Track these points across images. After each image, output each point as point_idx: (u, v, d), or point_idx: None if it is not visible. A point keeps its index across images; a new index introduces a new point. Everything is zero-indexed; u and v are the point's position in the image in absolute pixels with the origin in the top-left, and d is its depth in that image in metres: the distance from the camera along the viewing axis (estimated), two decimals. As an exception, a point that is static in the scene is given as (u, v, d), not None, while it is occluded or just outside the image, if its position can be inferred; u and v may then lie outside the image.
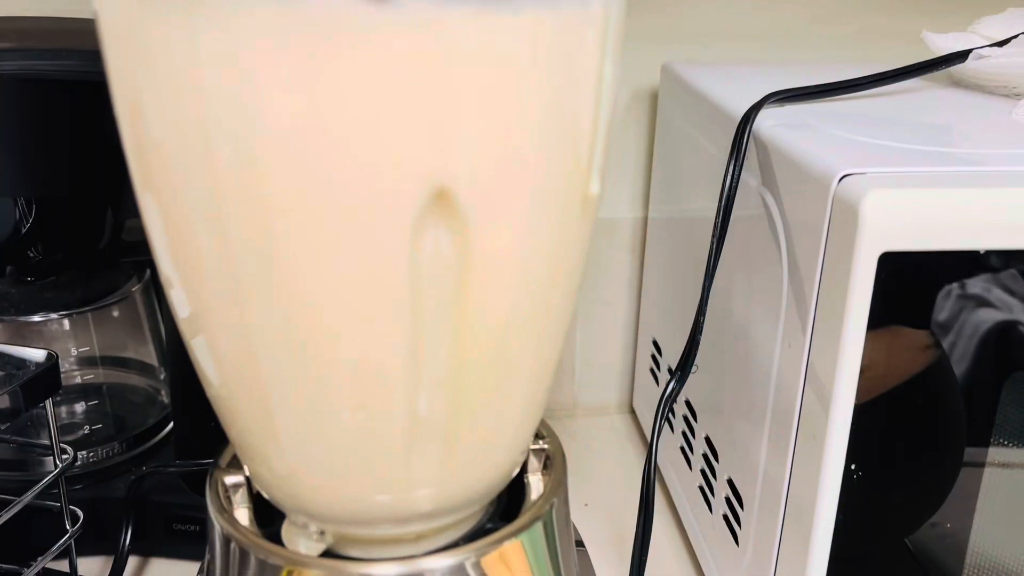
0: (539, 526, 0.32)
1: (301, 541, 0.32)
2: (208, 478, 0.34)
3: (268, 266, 0.27)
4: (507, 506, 0.35)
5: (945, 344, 0.38)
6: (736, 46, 0.67)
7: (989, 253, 0.36)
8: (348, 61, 0.23)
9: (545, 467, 0.36)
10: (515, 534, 0.32)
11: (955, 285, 0.37)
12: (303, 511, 0.32)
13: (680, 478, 0.60)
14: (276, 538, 0.33)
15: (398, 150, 0.24)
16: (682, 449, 0.59)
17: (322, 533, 0.32)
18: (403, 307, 0.26)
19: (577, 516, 0.61)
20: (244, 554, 0.31)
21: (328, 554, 0.32)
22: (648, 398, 0.69)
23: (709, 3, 0.66)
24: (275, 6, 0.22)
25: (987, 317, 0.37)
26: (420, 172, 0.24)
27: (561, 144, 0.26)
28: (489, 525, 0.34)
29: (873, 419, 0.38)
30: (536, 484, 0.35)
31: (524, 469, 0.36)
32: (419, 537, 0.32)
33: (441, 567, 0.30)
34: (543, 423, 0.37)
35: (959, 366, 0.38)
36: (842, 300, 0.37)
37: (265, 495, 0.33)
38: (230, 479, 0.34)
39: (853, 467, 0.39)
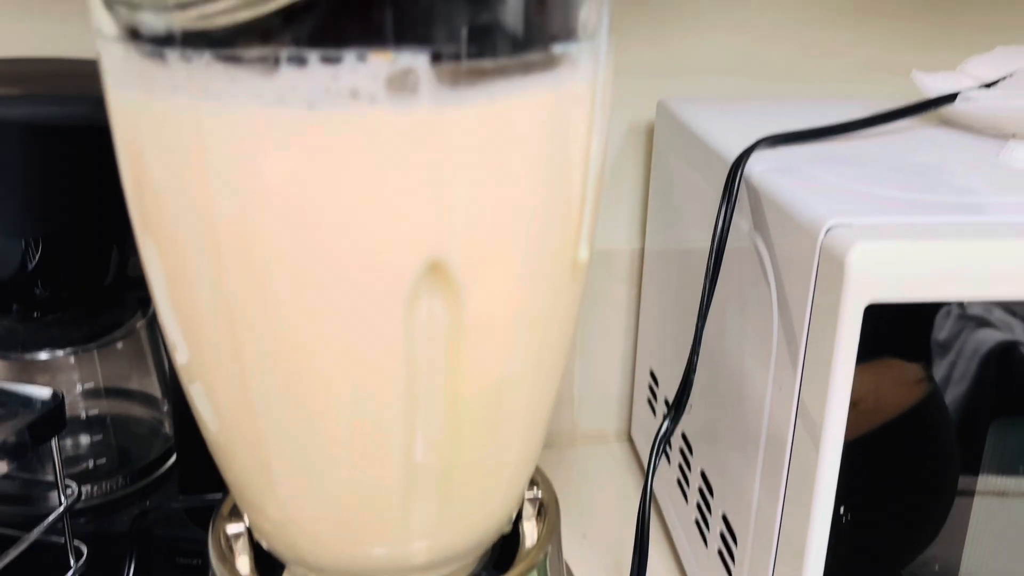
0: (533, 575, 0.33)
1: (299, 591, 0.33)
2: (210, 526, 0.35)
3: (265, 321, 0.27)
4: (501, 554, 0.36)
5: (932, 389, 0.39)
6: (730, 80, 0.68)
7: (975, 304, 0.37)
8: (343, 136, 0.24)
9: (539, 514, 0.36)
10: (508, 583, 0.33)
11: (941, 334, 0.38)
12: (301, 562, 0.33)
13: (677, 511, 0.60)
14: (276, 586, 0.34)
15: (393, 225, 0.25)
16: (679, 482, 0.59)
17: (319, 583, 0.33)
18: (398, 368, 0.27)
19: (575, 547, 0.62)
20: (245, 604, 0.32)
21: (326, 603, 0.33)
22: (645, 427, 0.69)
23: (704, 39, 0.67)
24: (275, 91, 0.23)
25: (975, 365, 0.38)
26: (415, 246, 0.25)
27: (551, 215, 0.27)
28: (483, 574, 0.34)
29: (862, 462, 0.39)
30: (530, 532, 0.36)
31: (518, 517, 0.37)
32: (415, 586, 0.33)
33: (437, 617, 0.31)
34: (537, 470, 0.38)
35: (942, 411, 0.39)
36: (830, 348, 0.37)
37: (264, 545, 0.34)
38: (231, 528, 0.35)
39: (842, 510, 0.40)
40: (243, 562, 0.34)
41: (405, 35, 0.23)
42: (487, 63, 0.24)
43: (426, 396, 0.28)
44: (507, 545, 0.36)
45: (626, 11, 0.65)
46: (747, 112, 0.58)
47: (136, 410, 0.63)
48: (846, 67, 0.69)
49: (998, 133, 0.52)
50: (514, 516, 0.35)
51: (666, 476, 0.62)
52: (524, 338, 0.29)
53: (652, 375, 0.67)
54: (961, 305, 0.37)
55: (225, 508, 0.36)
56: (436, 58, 0.24)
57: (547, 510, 0.36)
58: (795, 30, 0.68)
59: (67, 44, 0.58)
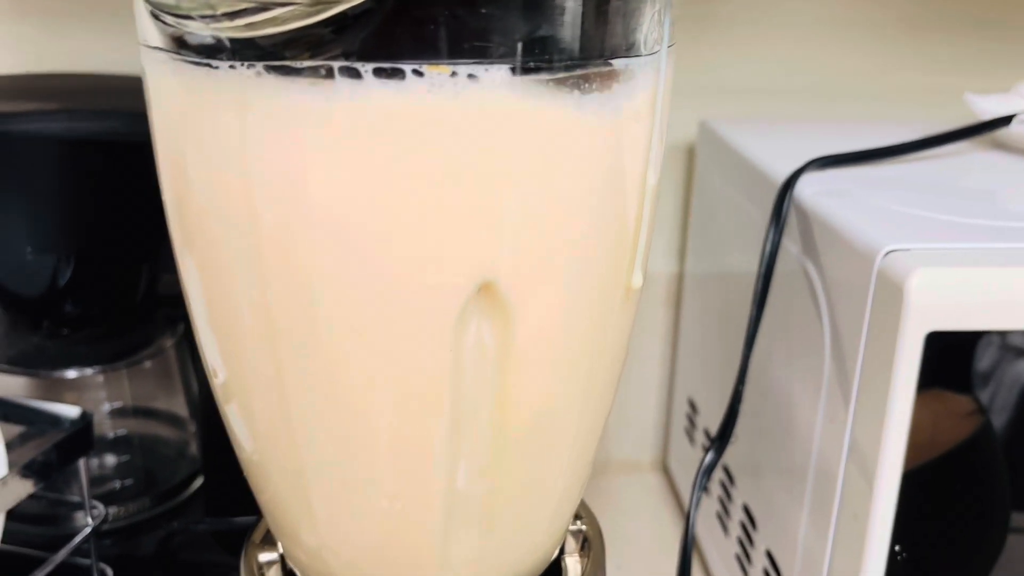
0: (577, 613, 0.32)
1: (334, 624, 0.31)
2: (242, 553, 0.34)
3: (308, 341, 0.26)
4: (544, 588, 0.35)
5: (994, 423, 0.37)
6: (773, 101, 0.67)
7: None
8: (396, 151, 0.23)
9: (583, 548, 0.35)
10: (554, 622, 0.31)
11: (1005, 364, 0.36)
12: (337, 594, 0.31)
13: (716, 544, 0.58)
14: (309, 619, 0.32)
15: (445, 243, 0.24)
16: (718, 515, 0.58)
17: (356, 617, 0.31)
18: (443, 392, 0.26)
19: (609, 578, 0.60)
20: (277, 636, 0.31)
21: (362, 638, 0.31)
22: (682, 457, 0.68)
23: (746, 58, 0.66)
24: (327, 103, 0.22)
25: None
26: (467, 266, 0.24)
27: (606, 236, 0.26)
28: (526, 610, 0.33)
29: (918, 499, 0.37)
30: (573, 566, 0.35)
31: (561, 551, 0.35)
32: (455, 623, 0.32)
33: (478, 655, 0.30)
34: (581, 503, 0.36)
35: (1009, 448, 0.37)
36: (887, 378, 0.36)
37: (298, 574, 0.33)
38: (264, 556, 0.34)
39: (897, 548, 0.38)
40: (276, 592, 0.33)
41: (462, 48, 0.22)
42: (544, 77, 0.23)
43: (471, 423, 0.27)
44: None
45: (666, 31, 0.64)
46: (794, 133, 0.57)
47: (163, 431, 0.62)
48: (895, 88, 0.67)
49: (1054, 157, 0.51)
50: (556, 550, 0.34)
51: (705, 508, 0.61)
52: (573, 365, 0.27)
53: (691, 403, 0.65)
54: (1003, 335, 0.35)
55: (257, 535, 0.35)
56: (494, 73, 0.22)
57: (591, 544, 0.35)
58: (835, 49, 0.66)
59: (105, 59, 0.57)
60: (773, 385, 0.48)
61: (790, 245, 0.45)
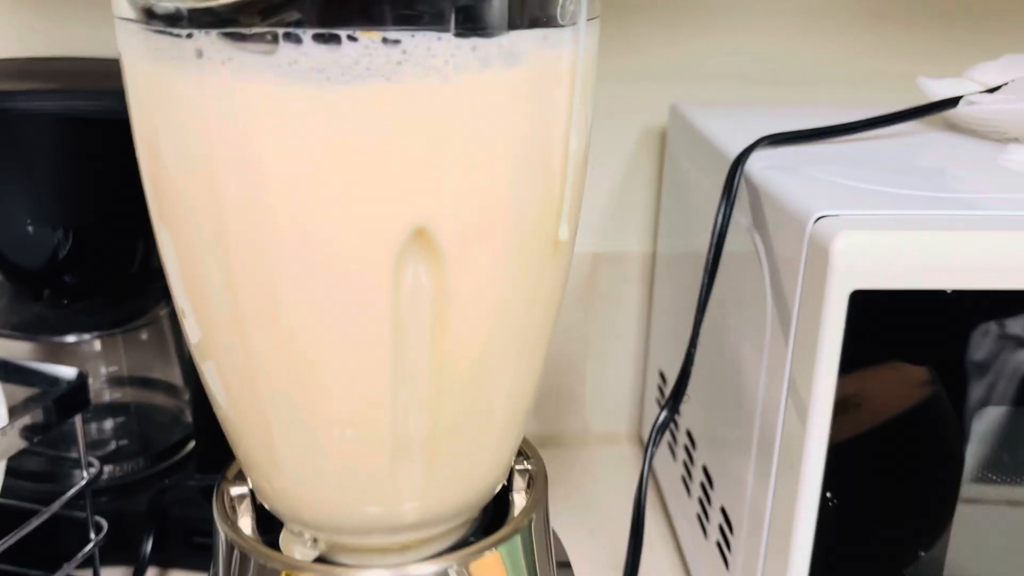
0: (517, 539, 0.35)
1: (297, 548, 0.34)
2: (215, 490, 0.37)
3: (267, 297, 0.29)
4: (491, 522, 0.37)
5: (917, 377, 0.40)
6: (743, 87, 0.70)
7: (958, 293, 0.38)
8: (336, 110, 0.26)
9: (529, 486, 0.38)
10: (494, 545, 0.34)
11: (925, 322, 0.39)
12: (299, 520, 0.34)
13: (680, 506, 0.61)
14: (275, 545, 0.35)
15: (383, 193, 0.27)
16: (683, 478, 0.61)
17: (315, 541, 0.34)
18: (386, 333, 0.29)
19: (582, 542, 0.63)
20: (245, 559, 0.34)
21: (321, 561, 0.34)
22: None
23: (717, 46, 0.68)
24: (273, 65, 0.25)
25: (958, 353, 0.39)
26: (400, 214, 0.27)
27: (531, 190, 0.29)
28: (472, 539, 0.36)
29: (847, 449, 0.40)
30: (520, 501, 0.38)
31: (510, 488, 0.38)
32: (406, 548, 0.35)
33: (425, 572, 0.33)
34: (529, 445, 0.39)
35: (930, 399, 0.40)
36: (816, 335, 0.39)
37: (266, 506, 0.36)
38: (235, 491, 0.37)
39: (828, 495, 0.41)
40: (245, 522, 0.36)
41: (394, 16, 0.25)
42: (472, 43, 0.26)
43: (412, 360, 0.30)
44: (498, 513, 0.38)
45: (641, 18, 0.67)
46: (756, 115, 0.59)
47: (159, 399, 0.65)
48: (859, 74, 0.70)
49: (1000, 137, 0.53)
50: (500, 484, 0.37)
51: (672, 473, 0.63)
52: (506, 310, 0.30)
53: (661, 375, 0.68)
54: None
55: (230, 473, 0.38)
56: (424, 36, 0.25)
57: (536, 481, 0.38)
58: (809, 38, 0.69)
59: (99, 45, 0.61)
60: (727, 352, 0.51)
61: (741, 219, 0.48)
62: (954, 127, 0.56)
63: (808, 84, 0.70)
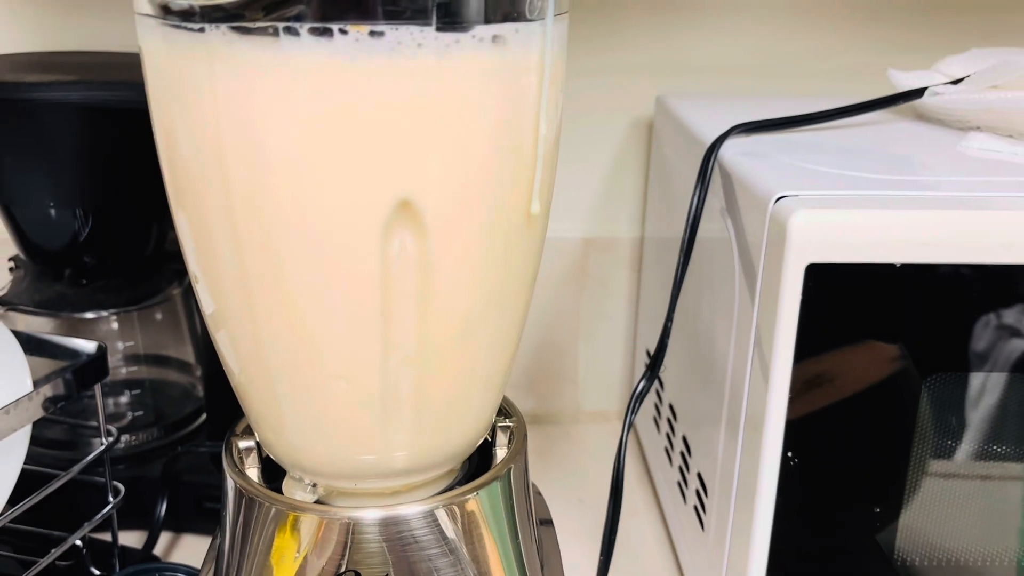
0: (497, 486, 0.38)
1: (298, 492, 0.38)
2: (224, 443, 0.41)
3: (271, 267, 0.33)
4: (476, 472, 0.41)
5: (870, 344, 0.43)
6: (728, 79, 0.73)
7: (905, 266, 0.41)
8: (330, 94, 0.30)
9: (510, 441, 0.42)
10: (475, 490, 0.38)
11: (876, 293, 0.42)
12: (300, 468, 0.38)
13: (664, 475, 0.65)
14: (279, 491, 0.39)
15: (371, 170, 0.30)
16: (665, 449, 0.64)
17: (315, 486, 0.38)
18: (376, 297, 0.32)
19: (571, 509, 0.66)
20: (251, 502, 0.38)
21: (320, 503, 0.38)
22: (643, 406, 0.74)
23: (702, 42, 0.72)
24: (275, 56, 0.29)
25: (908, 322, 0.43)
26: (388, 187, 0.31)
27: (505, 168, 0.32)
28: (457, 486, 0.40)
29: (807, 411, 0.43)
30: (501, 455, 0.41)
31: (493, 443, 0.42)
32: (397, 493, 0.38)
33: (412, 512, 0.36)
34: (511, 405, 0.43)
35: (882, 365, 0.43)
36: (776, 306, 0.42)
37: (272, 456, 0.39)
38: (243, 443, 0.40)
39: (790, 455, 0.44)
40: (252, 472, 0.40)
41: (383, 11, 0.29)
42: (451, 35, 0.30)
43: (400, 322, 0.33)
44: (482, 465, 0.41)
45: (631, 15, 0.70)
46: (736, 106, 0.63)
47: (172, 375, 0.69)
48: (837, 67, 0.73)
49: (964, 125, 0.57)
50: (482, 437, 0.40)
51: (656, 444, 0.67)
52: (484, 275, 0.34)
53: (648, 355, 0.71)
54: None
55: (239, 428, 0.42)
56: (407, 29, 0.29)
57: (515, 436, 0.41)
58: (790, 33, 0.72)
59: (116, 39, 0.65)
60: (703, 328, 0.54)
61: (715, 202, 0.51)
62: (921, 116, 0.60)
63: (789, 77, 0.73)
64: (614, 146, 0.74)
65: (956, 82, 0.57)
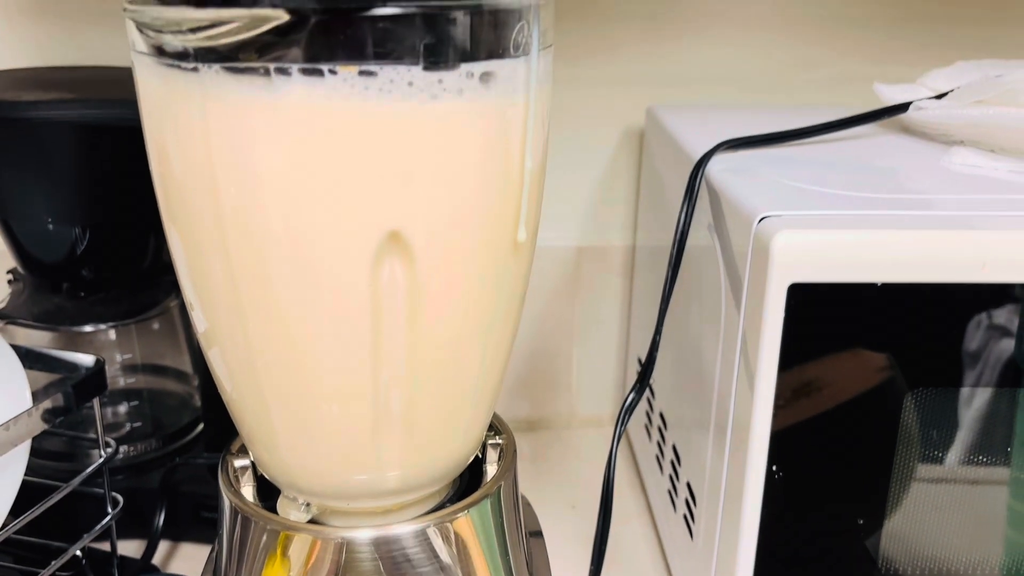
0: (487, 503, 0.39)
1: (292, 511, 0.39)
2: (220, 462, 0.42)
3: (263, 290, 0.34)
4: (466, 490, 0.42)
5: (852, 361, 0.44)
6: (717, 90, 0.74)
7: (886, 285, 0.42)
8: (320, 130, 0.30)
9: (500, 458, 0.43)
10: (466, 508, 0.39)
11: (858, 312, 0.43)
12: (294, 487, 0.39)
13: (655, 483, 0.66)
14: (274, 510, 0.40)
15: (360, 201, 0.31)
16: (656, 457, 0.65)
17: (308, 505, 0.39)
18: (366, 322, 0.33)
19: (563, 515, 0.67)
20: (247, 521, 0.39)
21: (314, 523, 0.39)
22: (635, 413, 0.75)
23: (692, 53, 0.73)
24: (267, 95, 0.30)
25: (889, 340, 0.43)
26: (376, 219, 0.31)
27: (491, 198, 0.33)
28: (448, 504, 0.41)
29: (790, 426, 0.44)
30: (492, 472, 0.42)
31: (483, 460, 0.43)
32: (389, 511, 0.39)
33: (405, 532, 0.37)
34: (502, 423, 0.44)
35: (864, 381, 0.44)
36: (759, 323, 0.43)
37: (266, 476, 0.40)
38: (238, 463, 0.41)
39: (775, 468, 0.45)
40: (247, 490, 0.41)
41: (371, 52, 0.29)
42: (436, 74, 0.30)
43: (390, 346, 0.34)
44: (473, 483, 0.42)
45: (622, 28, 0.71)
46: (724, 119, 0.64)
47: (170, 384, 0.70)
48: (825, 79, 0.74)
49: (948, 140, 0.57)
50: (472, 455, 0.41)
51: (648, 453, 0.68)
52: (472, 301, 0.35)
53: (640, 362, 0.72)
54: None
55: (234, 447, 0.43)
56: (395, 69, 0.30)
57: (505, 454, 0.42)
58: (778, 45, 0.73)
59: (112, 55, 0.65)
60: (692, 341, 0.55)
61: (703, 217, 0.52)
62: (906, 130, 0.61)
63: (777, 88, 0.74)
64: (606, 155, 0.75)
65: (941, 96, 0.58)
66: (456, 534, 0.38)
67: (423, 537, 0.37)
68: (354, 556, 0.37)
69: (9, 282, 0.64)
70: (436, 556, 0.37)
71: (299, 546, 0.37)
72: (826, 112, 0.61)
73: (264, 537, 0.38)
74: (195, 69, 0.30)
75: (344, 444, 0.37)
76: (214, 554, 0.43)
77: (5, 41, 0.67)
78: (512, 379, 0.79)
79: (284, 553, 0.37)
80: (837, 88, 0.74)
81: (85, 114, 0.55)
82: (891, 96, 0.60)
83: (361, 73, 0.29)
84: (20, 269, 0.63)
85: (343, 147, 0.30)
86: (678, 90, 0.74)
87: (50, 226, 0.59)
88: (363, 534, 0.37)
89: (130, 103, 0.55)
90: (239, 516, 0.39)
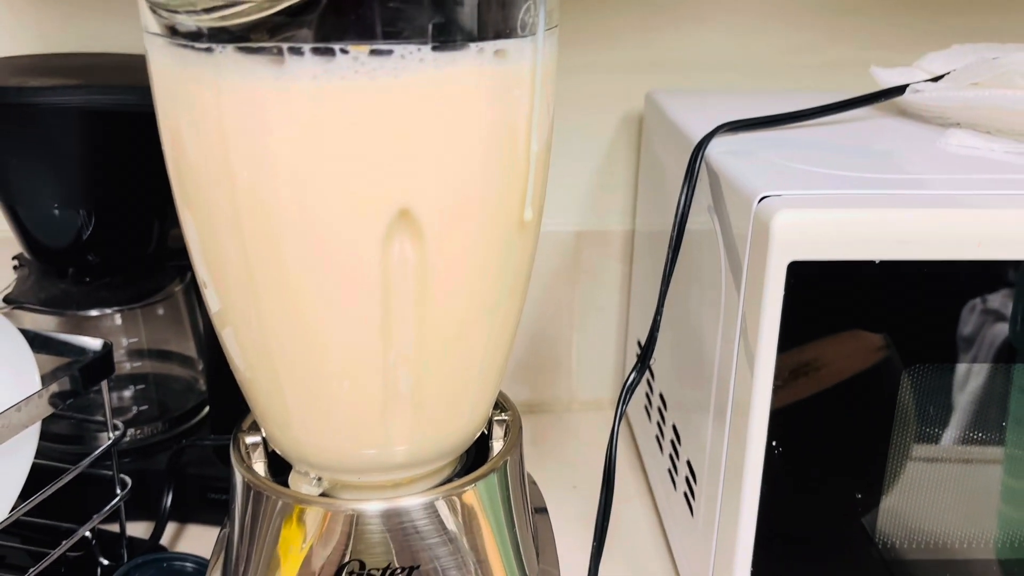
0: (494, 477, 0.40)
1: (304, 486, 0.40)
2: (232, 439, 0.43)
3: (276, 268, 0.34)
4: (473, 465, 0.43)
5: (850, 338, 0.45)
6: (716, 76, 0.74)
7: (884, 263, 0.43)
8: (332, 109, 0.31)
9: (506, 434, 0.43)
10: (473, 482, 0.39)
11: (856, 289, 0.44)
12: (306, 462, 0.40)
13: (655, 463, 0.67)
14: (285, 485, 0.41)
15: (371, 179, 0.32)
16: (656, 437, 0.66)
17: (319, 479, 0.40)
18: (376, 298, 0.34)
19: (565, 496, 0.68)
20: (259, 495, 0.39)
21: (325, 496, 0.40)
22: (635, 395, 0.76)
23: (692, 37, 0.73)
24: (279, 74, 0.30)
25: (886, 316, 0.44)
26: (387, 196, 0.32)
27: (498, 177, 0.34)
28: (456, 478, 0.41)
29: (790, 402, 0.45)
30: (498, 447, 0.43)
31: (490, 436, 0.44)
32: (398, 485, 0.40)
33: (413, 504, 0.38)
34: (508, 400, 0.45)
35: (862, 357, 0.45)
36: (760, 301, 0.44)
37: (278, 451, 0.41)
38: (250, 439, 0.42)
39: (774, 443, 0.46)
40: (259, 466, 0.42)
41: (381, 32, 0.30)
42: (447, 53, 0.31)
43: (399, 322, 0.35)
44: (479, 458, 0.43)
45: (620, 14, 0.72)
46: (723, 103, 0.64)
47: (175, 369, 0.71)
48: (824, 64, 0.75)
49: (944, 122, 0.58)
50: (479, 431, 0.42)
51: (648, 433, 0.69)
52: (479, 279, 0.36)
53: (640, 346, 0.73)
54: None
55: (245, 424, 0.43)
56: (405, 48, 0.30)
57: (511, 430, 0.43)
58: (775, 29, 0.74)
59: (118, 41, 0.66)
60: (692, 322, 0.56)
61: (703, 199, 0.53)
62: (903, 113, 0.61)
63: (775, 72, 0.75)
64: (606, 140, 0.76)
65: (937, 79, 0.59)
66: (464, 506, 0.39)
67: (431, 509, 0.38)
68: (364, 528, 0.37)
69: (15, 268, 0.65)
70: (444, 528, 0.38)
71: (311, 519, 0.38)
72: (824, 96, 0.61)
73: (276, 511, 0.39)
74: (208, 49, 0.31)
75: (354, 420, 0.37)
76: (225, 532, 0.44)
77: (7, 28, 0.67)
78: (512, 363, 0.80)
79: (297, 526, 0.38)
80: (834, 73, 0.75)
81: (91, 100, 0.55)
82: (888, 79, 0.61)
83: (372, 52, 0.30)
84: (26, 254, 0.63)
85: (354, 125, 0.31)
86: (676, 76, 0.74)
87: (56, 212, 0.59)
88: (373, 506, 0.38)
89: (135, 89, 0.56)
90: (251, 491, 0.40)
